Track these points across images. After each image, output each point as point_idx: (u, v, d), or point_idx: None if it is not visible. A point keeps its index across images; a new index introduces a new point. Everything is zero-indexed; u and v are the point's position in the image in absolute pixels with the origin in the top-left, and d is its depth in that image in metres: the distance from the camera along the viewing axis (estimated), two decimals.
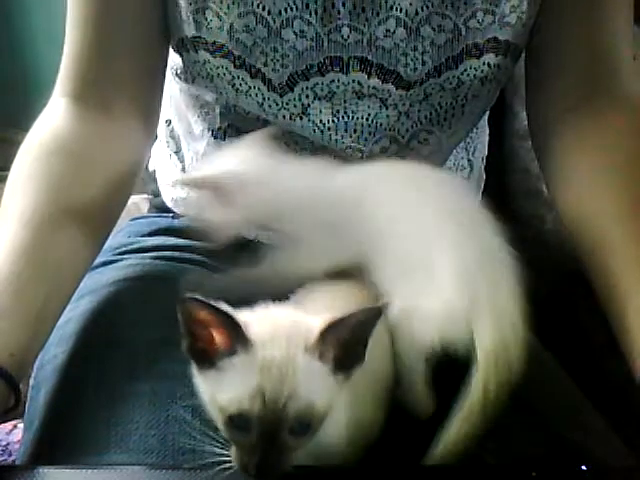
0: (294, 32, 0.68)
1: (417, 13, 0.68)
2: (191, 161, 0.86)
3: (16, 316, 0.59)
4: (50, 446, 0.62)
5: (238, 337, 0.50)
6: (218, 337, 0.50)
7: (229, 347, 0.50)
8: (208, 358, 0.51)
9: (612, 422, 0.68)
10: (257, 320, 0.52)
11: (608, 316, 0.65)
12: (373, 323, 0.51)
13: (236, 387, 0.49)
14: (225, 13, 0.67)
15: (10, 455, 1.06)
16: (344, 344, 0.50)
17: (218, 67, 0.71)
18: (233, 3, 0.67)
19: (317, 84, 0.71)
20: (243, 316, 0.51)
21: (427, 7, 0.68)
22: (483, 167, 0.94)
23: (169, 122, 0.90)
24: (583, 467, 0.55)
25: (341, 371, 0.51)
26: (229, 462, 0.51)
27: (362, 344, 0.51)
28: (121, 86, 0.73)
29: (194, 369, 0.52)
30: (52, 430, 0.63)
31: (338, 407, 0.52)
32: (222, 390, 0.50)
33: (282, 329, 0.51)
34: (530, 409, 0.66)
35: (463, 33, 0.69)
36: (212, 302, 0.49)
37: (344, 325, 0.50)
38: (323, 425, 0.51)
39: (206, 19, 0.68)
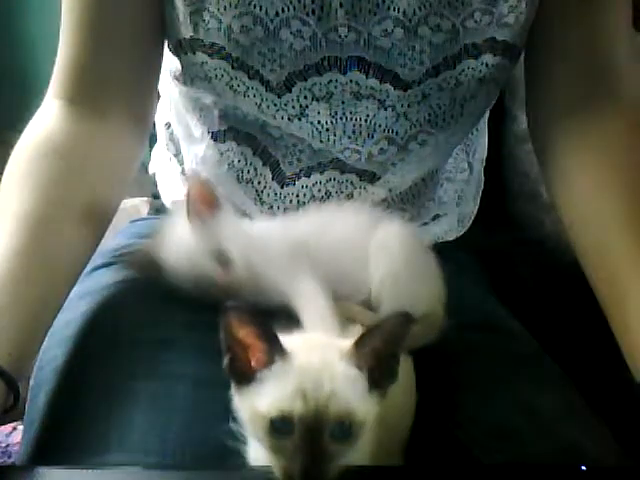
0: (291, 32, 0.68)
1: (415, 13, 0.68)
2: (191, 164, 0.86)
3: (14, 315, 0.59)
4: (50, 447, 0.62)
5: (276, 348, 0.50)
6: (256, 351, 0.50)
7: (268, 359, 0.50)
8: (246, 375, 0.51)
9: (612, 424, 0.68)
10: (289, 338, 0.52)
11: (608, 318, 0.65)
12: (404, 331, 0.51)
13: (276, 391, 0.49)
14: (222, 14, 0.68)
15: (10, 457, 1.06)
16: (378, 357, 0.50)
17: (216, 68, 0.72)
18: (230, 4, 0.67)
19: (315, 84, 0.71)
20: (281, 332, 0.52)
21: (425, 7, 0.68)
22: (482, 169, 0.94)
23: (168, 125, 0.90)
24: (583, 467, 0.55)
25: (376, 388, 0.51)
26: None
27: (394, 356, 0.51)
28: (114, 88, 0.73)
29: (233, 389, 0.52)
30: (52, 431, 0.63)
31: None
32: (262, 398, 0.50)
33: (316, 342, 0.53)
34: (530, 411, 0.66)
35: (461, 33, 0.69)
36: (253, 313, 0.50)
37: (378, 334, 0.50)
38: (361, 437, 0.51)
39: (203, 20, 0.69)
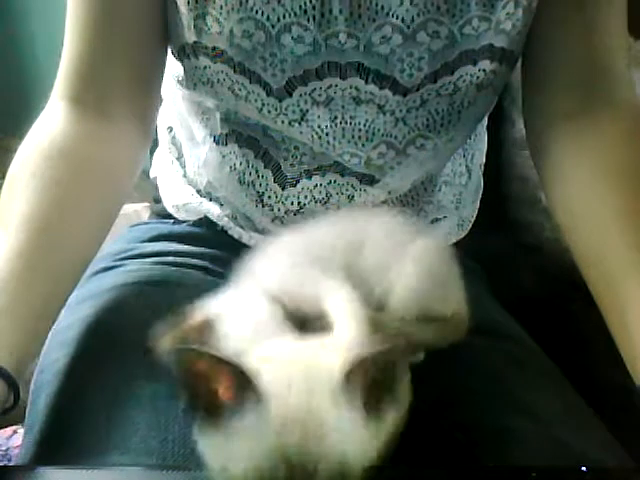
0: (292, 38, 0.68)
1: (413, 20, 0.68)
2: (192, 167, 0.86)
3: (15, 316, 0.59)
4: (50, 448, 0.62)
5: (247, 389, 0.42)
6: (223, 391, 0.43)
7: (237, 402, 0.42)
8: (212, 418, 0.43)
9: (612, 426, 0.68)
10: (268, 364, 0.44)
11: (607, 322, 0.65)
12: (405, 357, 0.45)
13: (251, 453, 0.41)
14: (225, 19, 0.68)
15: (10, 460, 1.06)
16: (375, 384, 0.44)
17: (218, 72, 0.72)
18: (232, 9, 0.68)
19: (315, 89, 0.72)
20: (251, 361, 0.44)
21: (423, 14, 0.68)
22: (481, 174, 0.95)
23: (171, 129, 0.90)
24: (583, 468, 0.56)
25: (373, 417, 0.43)
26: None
27: (394, 383, 0.45)
28: (119, 89, 0.74)
29: (196, 430, 0.45)
30: (52, 433, 0.63)
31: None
32: (234, 459, 0.41)
33: (299, 373, 0.43)
34: (530, 413, 0.66)
35: (459, 39, 0.70)
36: (213, 351, 0.43)
37: (372, 362, 0.43)
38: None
39: (206, 25, 0.69)
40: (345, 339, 0.50)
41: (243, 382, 0.42)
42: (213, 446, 0.43)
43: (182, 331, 0.58)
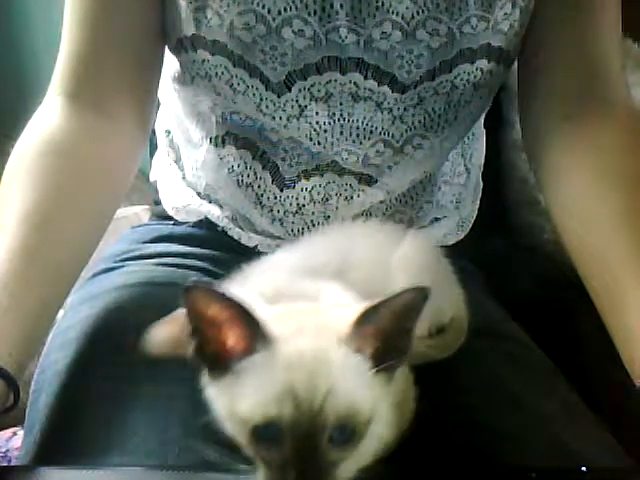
0: (293, 31, 0.69)
1: (413, 17, 0.69)
2: (191, 169, 0.86)
3: (15, 315, 0.59)
4: (50, 449, 0.62)
5: (256, 333, 0.42)
6: (232, 335, 0.43)
7: (246, 346, 0.42)
8: (221, 362, 0.43)
9: (611, 426, 0.68)
10: (277, 315, 0.44)
11: (606, 323, 0.65)
12: (419, 307, 0.43)
13: (259, 390, 0.41)
14: (225, 11, 0.68)
15: (10, 462, 1.06)
16: (385, 336, 0.43)
17: (217, 66, 0.72)
18: (233, 1, 0.68)
19: (314, 84, 0.72)
20: (260, 312, 0.44)
21: (423, 11, 0.69)
22: (480, 174, 0.95)
23: (168, 132, 0.91)
24: (583, 468, 0.56)
25: (383, 369, 0.43)
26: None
27: (406, 335, 0.44)
28: (116, 85, 0.74)
29: (205, 378, 0.45)
30: (52, 433, 0.63)
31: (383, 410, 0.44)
32: (241, 396, 0.42)
33: (308, 321, 0.44)
34: (530, 413, 0.66)
35: (457, 38, 0.70)
36: (224, 291, 0.42)
37: (384, 312, 0.43)
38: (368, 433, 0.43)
39: (206, 17, 0.69)
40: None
41: (253, 325, 0.42)
42: (221, 389, 0.43)
43: (173, 322, 0.58)
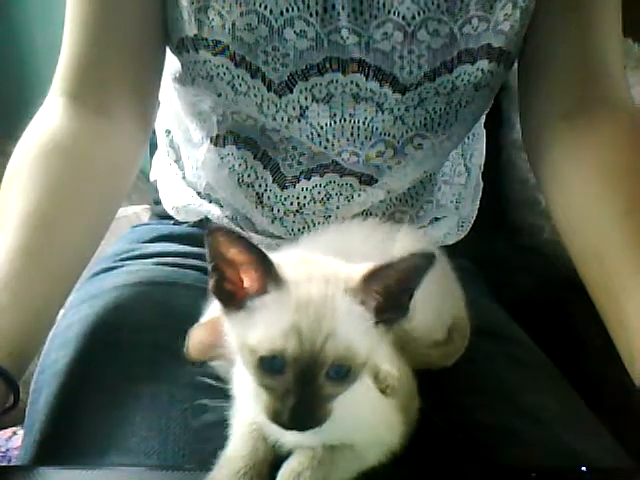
0: (295, 32, 0.69)
1: (414, 17, 0.69)
2: (191, 169, 0.86)
3: (15, 315, 0.59)
4: (50, 449, 0.62)
5: (270, 276, 0.46)
6: (248, 276, 0.47)
7: (260, 287, 0.46)
8: (236, 299, 0.47)
9: (611, 426, 0.68)
10: (291, 263, 0.48)
11: (605, 323, 0.65)
12: (423, 271, 0.46)
13: (268, 326, 0.45)
14: (227, 12, 0.68)
15: (9, 461, 1.06)
16: (388, 292, 0.47)
17: (218, 66, 0.72)
18: (235, 2, 0.68)
19: (316, 85, 0.72)
20: (275, 257, 0.47)
21: (424, 12, 0.69)
22: (480, 174, 0.95)
23: (169, 132, 0.91)
24: (583, 468, 0.56)
25: (382, 321, 0.47)
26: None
27: (408, 294, 0.47)
28: (117, 86, 0.74)
29: (220, 311, 0.48)
30: (52, 433, 0.63)
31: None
32: (252, 330, 0.45)
33: (320, 271, 0.47)
34: (530, 413, 0.66)
35: (458, 38, 0.70)
36: (244, 236, 0.46)
37: (391, 272, 0.46)
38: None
39: (208, 18, 0.69)
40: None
41: (268, 268, 0.45)
42: (235, 323, 0.47)
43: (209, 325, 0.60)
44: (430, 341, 0.64)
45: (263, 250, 0.46)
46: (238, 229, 0.46)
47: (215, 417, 0.59)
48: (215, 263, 0.47)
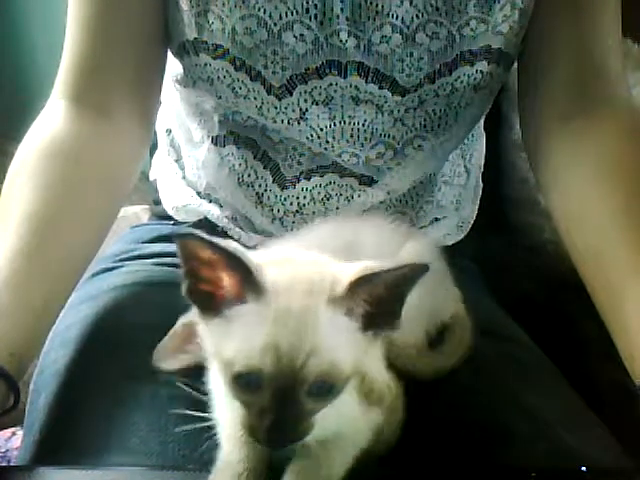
0: (294, 36, 0.69)
1: (412, 20, 0.69)
2: (191, 168, 0.86)
3: (16, 315, 0.59)
4: (50, 449, 0.62)
5: (249, 282, 0.43)
6: (226, 281, 0.44)
7: (238, 293, 0.43)
8: (213, 304, 0.44)
9: (611, 426, 0.68)
10: (273, 263, 0.44)
11: (605, 322, 0.65)
12: (414, 281, 0.44)
13: (245, 339, 0.42)
14: (227, 16, 0.69)
15: (9, 462, 1.06)
16: (377, 301, 0.44)
17: (218, 70, 0.73)
18: (235, 6, 0.68)
19: (315, 88, 0.72)
20: (256, 257, 0.44)
21: (422, 14, 0.69)
22: (480, 175, 0.95)
23: (169, 131, 0.91)
24: (583, 468, 0.56)
25: (370, 329, 0.44)
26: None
27: (399, 303, 0.45)
28: (119, 88, 0.74)
29: (196, 315, 0.45)
30: (52, 433, 0.64)
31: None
32: (228, 341, 0.43)
33: (303, 275, 0.44)
34: (530, 413, 0.66)
35: (457, 40, 0.70)
36: (217, 240, 0.42)
37: (379, 280, 0.43)
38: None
39: (208, 22, 0.70)
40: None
41: (247, 275, 0.42)
42: (210, 330, 0.44)
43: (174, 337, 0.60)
44: (407, 344, 0.61)
45: (240, 254, 0.43)
46: (206, 235, 0.42)
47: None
48: (188, 267, 0.44)
